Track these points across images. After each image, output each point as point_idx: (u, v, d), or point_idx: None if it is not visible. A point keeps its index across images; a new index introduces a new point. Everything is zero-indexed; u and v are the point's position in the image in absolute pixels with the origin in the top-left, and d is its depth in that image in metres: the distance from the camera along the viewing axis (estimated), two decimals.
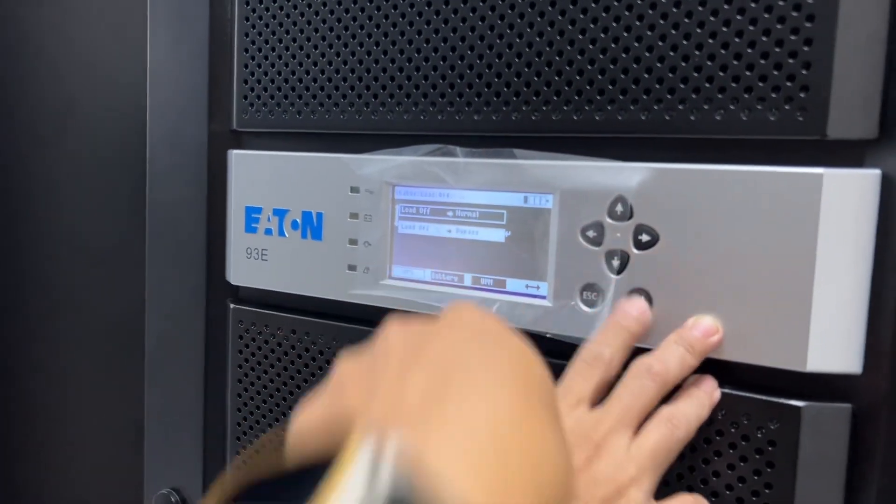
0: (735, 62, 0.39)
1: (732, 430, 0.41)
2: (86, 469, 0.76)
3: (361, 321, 0.53)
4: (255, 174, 0.56)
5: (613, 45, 0.43)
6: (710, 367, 0.41)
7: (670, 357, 0.40)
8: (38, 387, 0.85)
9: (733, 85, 0.39)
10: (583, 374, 0.41)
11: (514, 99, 0.46)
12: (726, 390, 0.41)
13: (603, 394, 0.41)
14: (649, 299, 0.42)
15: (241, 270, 0.58)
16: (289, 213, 0.55)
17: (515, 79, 0.46)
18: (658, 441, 0.39)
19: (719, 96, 0.40)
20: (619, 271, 0.43)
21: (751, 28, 0.39)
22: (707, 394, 0.41)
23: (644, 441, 0.39)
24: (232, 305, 0.59)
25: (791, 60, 0.38)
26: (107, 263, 0.81)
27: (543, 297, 0.46)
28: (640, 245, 0.42)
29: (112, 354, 0.76)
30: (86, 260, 0.84)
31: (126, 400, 0.69)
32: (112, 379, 0.83)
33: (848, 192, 0.38)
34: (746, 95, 0.39)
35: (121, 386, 0.71)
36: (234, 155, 0.58)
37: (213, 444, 0.64)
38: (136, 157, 0.63)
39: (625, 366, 0.41)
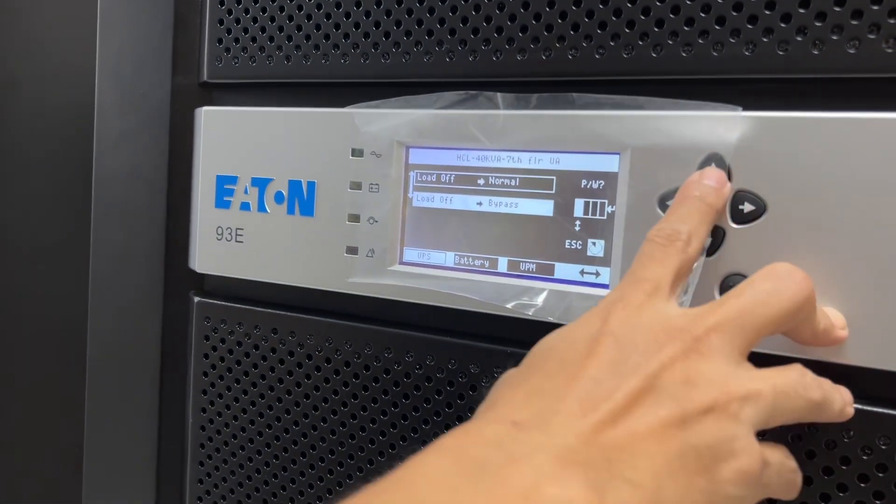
0: None
1: (864, 456, 0.31)
2: (18, 491, 0.63)
3: (363, 318, 0.43)
4: (229, 136, 0.46)
5: None
6: (833, 376, 0.32)
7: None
8: None
9: (874, 7, 0.30)
10: (655, 257, 0.30)
11: (571, 34, 0.36)
12: (857, 406, 0.31)
13: (683, 282, 0.31)
14: None
15: (209, 256, 0.47)
16: (272, 183, 0.44)
17: (572, 7, 0.36)
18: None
19: (853, 23, 0.31)
20: (711, 252, 0.33)
21: None
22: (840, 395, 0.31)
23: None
24: (196, 299, 0.48)
25: None
26: (45, 254, 0.68)
27: (605, 287, 0.36)
28: (739, 217, 0.33)
29: (49, 360, 0.64)
30: (20, 249, 0.71)
31: (66, 413, 0.57)
32: (49, 388, 0.70)
33: None
34: (892, 21, 0.30)
35: (60, 397, 0.59)
36: (204, 112, 0.47)
37: (167, 472, 0.53)
38: (82, 121, 0.52)
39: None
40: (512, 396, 0.27)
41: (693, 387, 0.25)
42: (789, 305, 0.27)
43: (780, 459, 0.29)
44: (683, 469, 0.24)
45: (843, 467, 0.32)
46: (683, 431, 0.24)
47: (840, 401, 0.29)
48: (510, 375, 0.29)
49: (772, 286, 0.28)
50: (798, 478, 0.30)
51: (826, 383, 0.29)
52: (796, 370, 0.28)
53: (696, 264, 0.33)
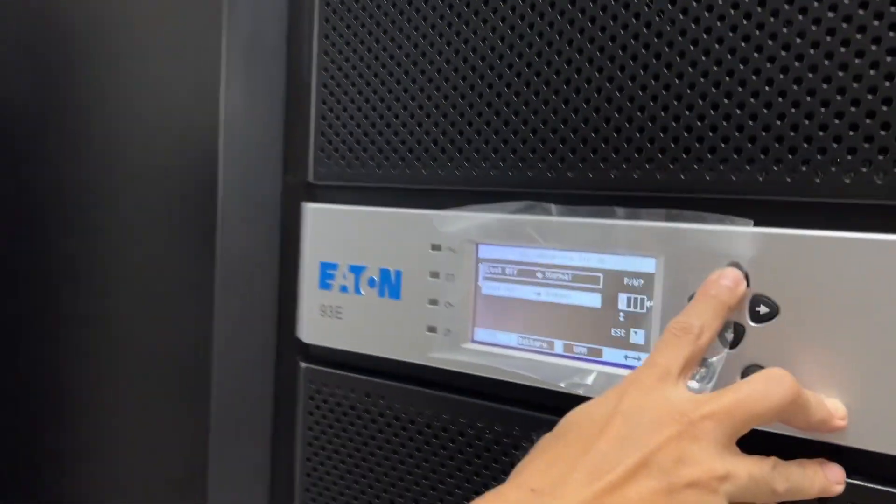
0: (868, 120, 0.36)
1: None
2: None
3: (441, 385, 0.50)
4: (330, 229, 0.54)
5: (726, 101, 0.39)
6: (835, 456, 0.37)
7: None
8: (93, 431, 0.83)
9: (865, 146, 0.36)
10: (670, 345, 0.36)
11: (613, 156, 0.43)
12: (856, 481, 0.37)
13: (692, 369, 0.37)
14: None
15: (314, 328, 0.55)
16: (366, 270, 0.52)
17: (614, 135, 0.43)
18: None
19: (848, 157, 0.36)
20: (733, 345, 0.39)
21: (887, 84, 0.35)
22: (823, 473, 0.36)
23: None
24: (303, 364, 0.57)
25: None
26: (174, 310, 0.80)
27: None
28: (756, 317, 0.39)
29: (175, 401, 0.74)
30: (153, 307, 0.83)
31: (189, 450, 0.67)
32: (174, 427, 0.81)
33: None
34: (881, 157, 0.36)
35: (182, 436, 0.69)
36: (310, 209, 0.56)
37: None
38: (207, 206, 0.62)
39: None
40: (537, 463, 0.34)
41: (682, 464, 0.32)
42: (776, 405, 0.33)
43: None
44: None
45: None
46: (669, 500, 0.31)
47: (817, 484, 0.35)
48: (544, 439, 0.37)
49: (763, 387, 0.34)
50: None
51: (797, 473, 0.35)
52: (769, 463, 0.34)
53: (719, 356, 0.39)
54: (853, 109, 0.36)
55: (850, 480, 0.37)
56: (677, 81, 0.41)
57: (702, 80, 0.40)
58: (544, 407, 0.46)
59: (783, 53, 0.38)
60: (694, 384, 0.37)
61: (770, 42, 0.38)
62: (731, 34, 0.39)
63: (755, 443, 0.36)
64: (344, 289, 0.54)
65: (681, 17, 0.40)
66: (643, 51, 0.42)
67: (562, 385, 0.44)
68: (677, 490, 0.31)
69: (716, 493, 0.32)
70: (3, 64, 1.02)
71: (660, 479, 0.31)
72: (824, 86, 0.37)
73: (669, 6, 0.41)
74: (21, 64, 1.01)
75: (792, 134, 0.38)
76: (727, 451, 0.33)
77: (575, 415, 0.37)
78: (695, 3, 0.40)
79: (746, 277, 0.39)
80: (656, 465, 0.32)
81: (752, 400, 0.33)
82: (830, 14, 0.36)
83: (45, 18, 1.00)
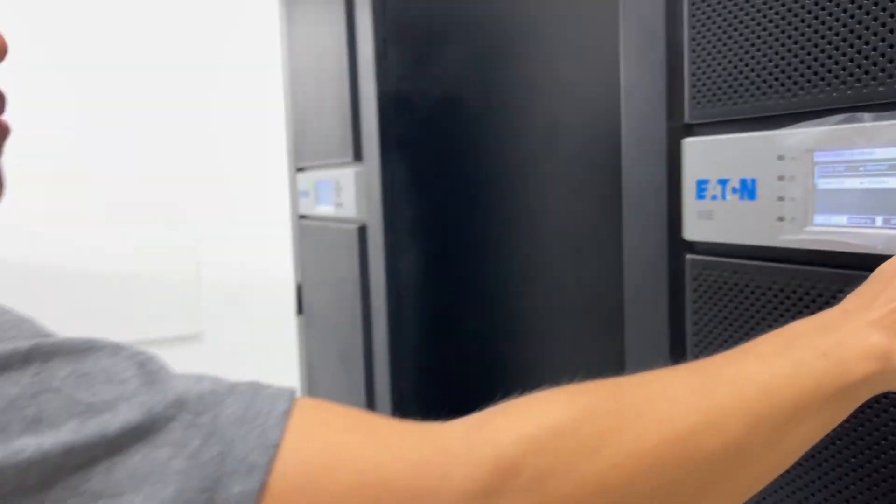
0: None
1: None
2: None
3: (791, 261, 0.67)
4: (702, 155, 0.74)
5: None
6: None
7: None
8: (528, 353, 1.14)
9: None
10: None
11: None
12: None
13: None
14: None
15: (695, 228, 0.76)
16: (729, 182, 0.72)
17: None
18: None
19: None
20: None
21: None
22: None
23: None
24: (688, 257, 0.78)
25: None
26: (585, 246, 1.07)
27: None
28: None
29: (591, 317, 1.01)
30: (568, 246, 1.11)
31: (609, 353, 0.92)
32: (592, 339, 1.08)
33: None
34: None
35: (600, 343, 0.95)
36: (687, 142, 0.76)
37: None
38: (614, 150, 0.86)
39: None
40: (852, 296, 0.53)
41: None
42: None
43: None
44: None
45: None
46: None
47: None
48: (862, 285, 0.53)
49: None
50: None
51: None
52: None
53: None
54: None
55: None
56: None
57: None
58: (866, 267, 0.61)
59: None
60: None
61: None
62: None
63: None
64: (714, 197, 0.73)
65: None
66: None
67: (879, 248, 0.58)
68: None
69: None
70: (455, 63, 1.40)
71: None
72: None
73: None
74: (469, 65, 1.38)
75: None
76: None
77: (883, 265, 0.53)
78: None
79: None
80: None
81: None
82: None
83: (487, 26, 1.36)
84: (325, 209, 1.68)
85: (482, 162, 1.43)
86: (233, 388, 0.39)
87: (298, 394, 0.41)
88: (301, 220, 1.84)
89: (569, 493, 0.39)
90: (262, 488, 0.36)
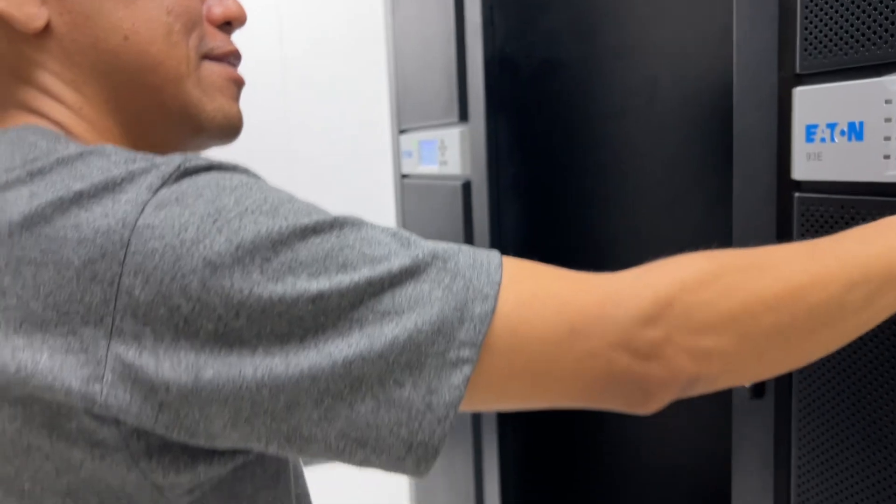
0: None
1: None
2: None
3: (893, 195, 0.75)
4: (813, 102, 0.82)
5: None
6: None
7: None
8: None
9: None
10: None
11: None
12: None
13: None
14: None
15: (803, 169, 0.84)
16: (837, 125, 0.79)
17: None
18: None
19: None
20: None
21: None
22: None
23: None
24: (797, 195, 0.86)
25: None
26: (688, 199, 1.15)
27: None
28: None
29: None
30: (669, 200, 1.20)
31: None
32: None
33: None
34: None
35: None
36: (797, 91, 0.84)
37: None
38: (714, 109, 0.94)
39: None
40: None
41: None
42: None
43: None
44: None
45: None
46: None
47: None
48: None
49: None
50: None
51: None
52: None
53: None
54: None
55: None
56: None
57: None
58: None
59: None
60: None
61: None
62: None
63: None
64: (823, 140, 0.81)
65: None
66: None
67: None
68: None
69: None
70: (557, 26, 1.48)
71: None
72: None
73: None
74: (570, 28, 1.46)
75: None
76: None
77: None
78: None
79: None
80: None
81: None
82: None
83: None
84: (429, 168, 1.80)
85: (583, 121, 1.51)
86: (459, 248, 0.54)
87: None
88: (403, 178, 1.96)
89: (709, 323, 0.53)
90: (493, 310, 0.50)
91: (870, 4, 0.75)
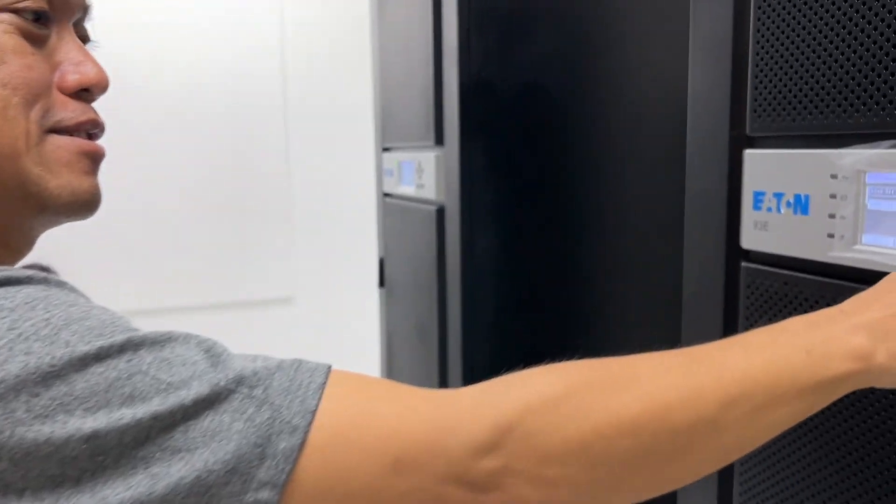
0: None
1: None
2: None
3: (839, 277, 0.69)
4: (760, 167, 0.76)
5: None
6: None
7: None
8: (593, 338, 1.18)
9: None
10: None
11: None
12: None
13: None
14: None
15: (751, 238, 0.78)
16: (784, 196, 0.74)
17: None
18: None
19: None
20: None
21: None
22: None
23: None
24: (743, 264, 0.80)
25: None
26: (652, 237, 1.09)
27: None
28: None
29: (653, 308, 1.04)
30: (638, 238, 1.14)
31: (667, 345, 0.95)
32: (652, 327, 1.11)
33: None
34: None
35: (660, 328, 0.98)
36: (747, 154, 0.78)
37: None
38: (679, 155, 0.88)
39: None
40: (852, 300, 0.55)
41: None
42: None
43: None
44: None
45: None
46: None
47: None
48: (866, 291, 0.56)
49: None
50: None
51: None
52: None
53: None
54: None
55: None
56: None
57: None
58: None
59: None
60: None
61: None
62: None
63: None
64: (769, 209, 0.75)
65: None
66: None
67: None
68: None
69: None
70: (536, 52, 1.43)
71: None
72: None
73: None
74: (549, 55, 1.41)
75: None
76: None
77: (893, 273, 0.56)
78: None
79: None
80: None
81: None
82: None
83: (568, 17, 1.38)
84: (407, 189, 1.75)
85: (559, 150, 1.46)
86: (280, 365, 0.49)
87: (334, 367, 0.50)
88: (385, 197, 1.92)
89: (555, 450, 0.47)
90: (302, 444, 0.46)
91: (818, 70, 0.69)
